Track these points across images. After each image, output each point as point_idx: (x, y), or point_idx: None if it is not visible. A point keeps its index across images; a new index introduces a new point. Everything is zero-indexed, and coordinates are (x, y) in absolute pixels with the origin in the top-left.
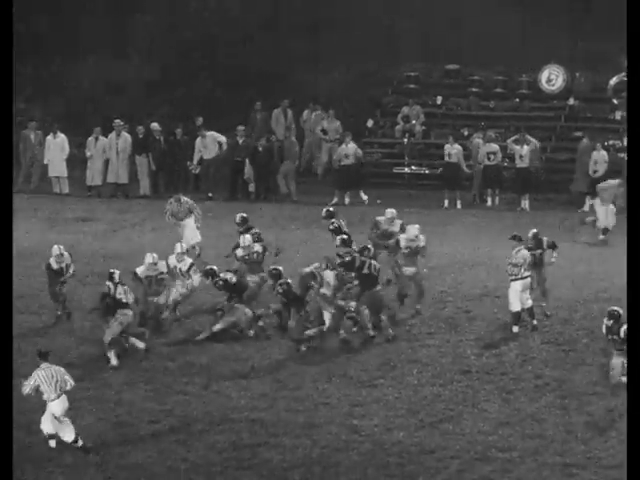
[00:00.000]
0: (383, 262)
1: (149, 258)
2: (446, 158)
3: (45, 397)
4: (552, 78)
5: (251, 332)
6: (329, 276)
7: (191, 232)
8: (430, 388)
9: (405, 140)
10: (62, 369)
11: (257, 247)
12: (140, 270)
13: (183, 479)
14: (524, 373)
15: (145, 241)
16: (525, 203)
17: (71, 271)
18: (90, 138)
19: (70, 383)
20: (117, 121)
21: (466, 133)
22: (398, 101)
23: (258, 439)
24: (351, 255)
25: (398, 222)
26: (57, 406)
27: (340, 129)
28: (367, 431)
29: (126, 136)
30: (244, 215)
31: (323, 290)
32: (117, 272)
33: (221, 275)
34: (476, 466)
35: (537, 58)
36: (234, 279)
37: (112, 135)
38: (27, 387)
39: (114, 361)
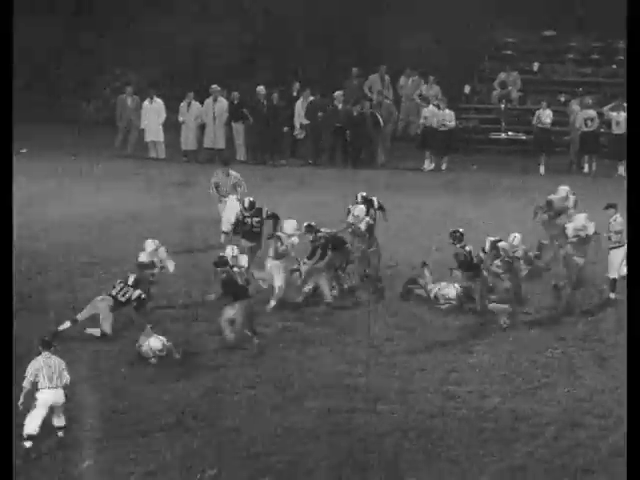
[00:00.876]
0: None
1: (150, 245)
2: (537, 123)
3: (38, 386)
4: None
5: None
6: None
7: (230, 213)
8: (526, 355)
9: (502, 106)
10: (63, 363)
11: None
12: (142, 257)
13: (278, 444)
14: (620, 340)
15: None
16: (622, 169)
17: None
18: (183, 103)
19: (67, 379)
20: (214, 86)
21: (563, 99)
22: (495, 67)
23: (353, 404)
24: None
25: (572, 198)
26: (50, 395)
27: (440, 95)
28: (462, 397)
29: (223, 101)
30: (252, 200)
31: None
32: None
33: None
34: (571, 432)
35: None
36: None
37: (209, 100)
38: (26, 381)
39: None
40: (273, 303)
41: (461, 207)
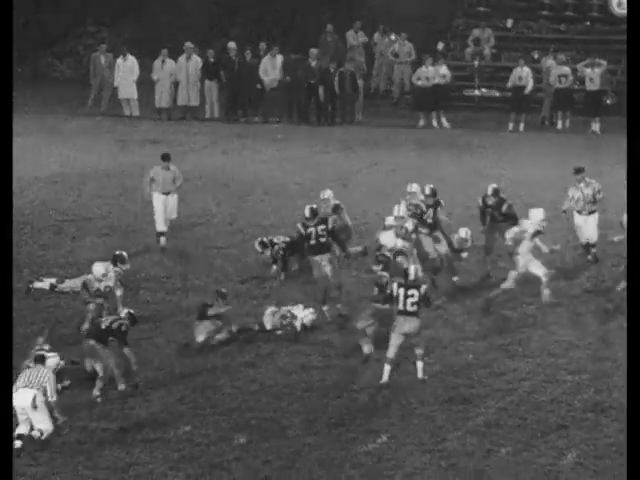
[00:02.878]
0: None
1: (99, 270)
2: (516, 81)
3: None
4: (623, 1)
5: None
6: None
7: (172, 210)
8: (501, 311)
9: (475, 63)
10: (52, 378)
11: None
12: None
13: (252, 401)
14: (594, 297)
15: (216, 163)
16: (596, 126)
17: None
18: (157, 61)
19: (51, 395)
20: (187, 44)
21: (536, 56)
22: (468, 24)
23: (327, 361)
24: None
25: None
26: (19, 395)
27: (413, 52)
28: (436, 353)
29: (196, 59)
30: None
31: None
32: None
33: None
34: (545, 388)
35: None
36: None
37: (182, 58)
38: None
39: None
40: None
41: (435, 164)
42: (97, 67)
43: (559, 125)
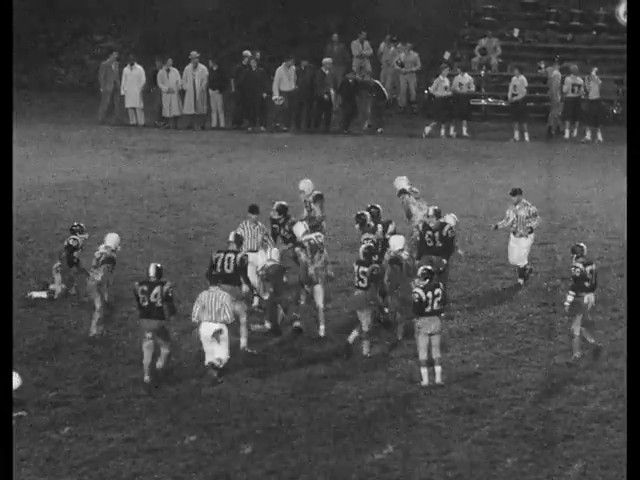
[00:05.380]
0: None
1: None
2: (512, 91)
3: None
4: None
5: None
6: None
7: None
8: (506, 320)
9: (482, 72)
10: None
11: None
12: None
13: (258, 410)
14: (599, 307)
15: (222, 172)
16: (589, 134)
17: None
18: (161, 70)
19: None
20: (193, 53)
21: (543, 66)
22: (475, 33)
23: (333, 371)
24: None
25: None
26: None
27: (418, 61)
28: (443, 364)
29: (202, 68)
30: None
31: None
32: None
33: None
34: (551, 399)
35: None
36: None
37: (189, 67)
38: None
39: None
40: None
41: (440, 174)
42: (108, 76)
43: (567, 134)
